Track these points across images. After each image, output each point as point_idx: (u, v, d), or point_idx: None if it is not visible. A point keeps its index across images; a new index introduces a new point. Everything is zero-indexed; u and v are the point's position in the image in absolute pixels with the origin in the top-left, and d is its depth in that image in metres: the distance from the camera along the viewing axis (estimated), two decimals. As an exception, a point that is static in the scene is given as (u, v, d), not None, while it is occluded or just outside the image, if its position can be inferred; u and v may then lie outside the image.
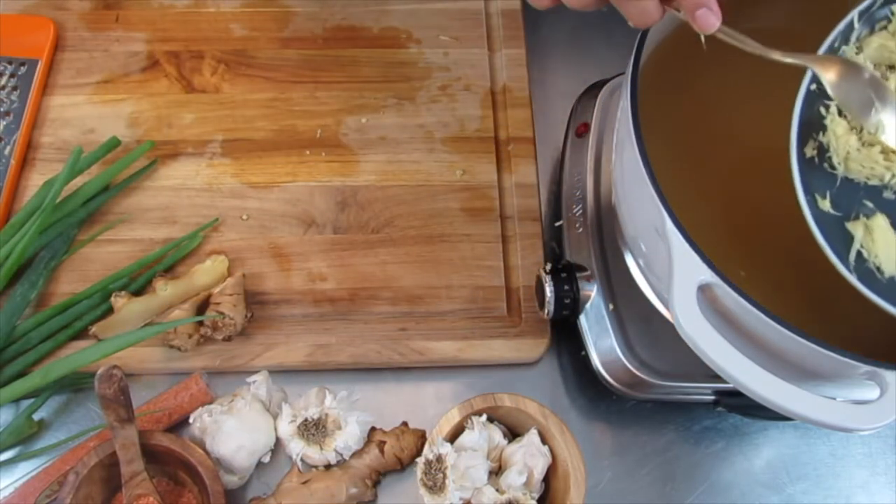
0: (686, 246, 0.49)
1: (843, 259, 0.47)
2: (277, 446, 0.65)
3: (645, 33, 0.53)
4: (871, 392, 0.49)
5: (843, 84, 0.47)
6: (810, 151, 0.49)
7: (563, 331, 0.70)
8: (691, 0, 0.48)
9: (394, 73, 0.79)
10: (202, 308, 0.67)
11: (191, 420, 0.64)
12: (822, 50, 0.49)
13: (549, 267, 0.65)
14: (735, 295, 0.47)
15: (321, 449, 0.63)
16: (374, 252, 0.72)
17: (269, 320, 0.69)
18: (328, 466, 0.64)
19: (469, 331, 0.69)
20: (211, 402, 0.65)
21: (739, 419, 0.69)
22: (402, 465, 0.66)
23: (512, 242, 0.73)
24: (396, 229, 0.73)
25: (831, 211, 0.48)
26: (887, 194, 0.48)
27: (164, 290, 0.67)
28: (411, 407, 0.68)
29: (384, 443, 0.65)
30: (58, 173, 0.70)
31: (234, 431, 0.62)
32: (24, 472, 0.65)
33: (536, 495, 0.62)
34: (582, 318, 0.64)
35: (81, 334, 0.68)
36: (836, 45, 0.50)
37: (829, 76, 0.47)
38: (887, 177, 0.48)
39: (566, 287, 0.64)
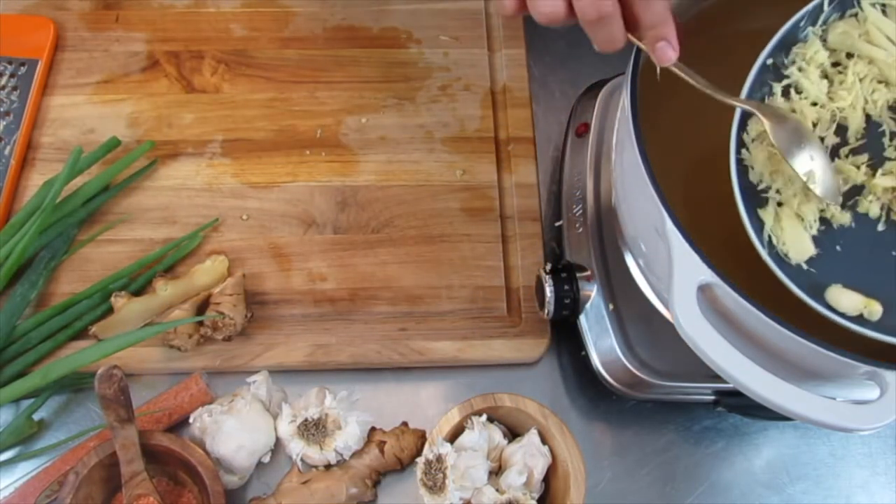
0: (686, 246, 0.49)
1: (761, 242, 0.50)
2: (277, 446, 0.65)
3: None
4: (871, 392, 0.49)
5: (777, 129, 0.50)
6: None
7: (563, 331, 0.70)
8: (653, 32, 0.50)
9: (394, 73, 0.79)
10: (202, 308, 0.67)
11: (191, 420, 0.64)
12: (787, 25, 0.52)
13: (549, 267, 0.65)
14: (735, 295, 0.47)
15: (321, 449, 0.63)
16: (374, 252, 0.72)
17: (269, 320, 0.69)
18: (328, 466, 0.64)
19: (469, 331, 0.69)
20: (211, 402, 0.65)
21: (739, 419, 0.69)
22: (402, 465, 0.66)
23: (512, 242, 0.73)
24: (396, 229, 0.73)
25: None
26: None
27: (164, 290, 0.67)
28: (411, 407, 0.68)
29: (384, 443, 0.65)
30: (58, 173, 0.70)
31: (234, 431, 0.62)
32: (24, 472, 0.65)
33: (536, 495, 0.62)
34: (582, 318, 0.64)
35: (81, 334, 0.68)
36: (803, 24, 0.52)
37: (767, 121, 0.50)
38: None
39: (566, 287, 0.64)
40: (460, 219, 0.73)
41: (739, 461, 0.69)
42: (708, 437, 0.69)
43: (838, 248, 0.50)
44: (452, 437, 0.63)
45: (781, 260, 0.49)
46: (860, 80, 0.51)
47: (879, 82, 0.51)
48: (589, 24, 0.51)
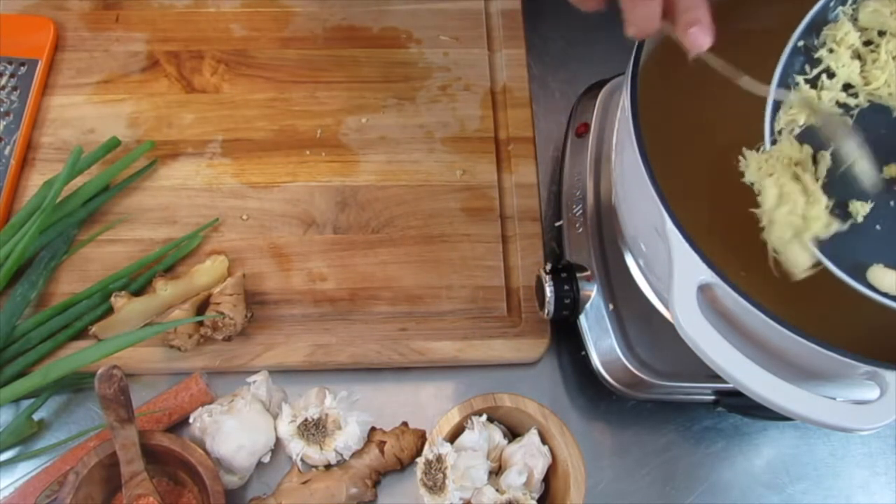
0: (686, 246, 0.49)
1: None
2: (277, 446, 0.65)
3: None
4: (871, 392, 0.49)
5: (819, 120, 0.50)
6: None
7: (563, 331, 0.70)
8: (686, 16, 0.47)
9: (394, 73, 0.79)
10: (202, 308, 0.67)
11: (191, 420, 0.64)
12: (816, 6, 0.51)
13: (549, 267, 0.65)
14: (735, 295, 0.47)
15: (321, 449, 0.63)
16: (374, 252, 0.72)
17: (269, 320, 0.69)
18: (328, 466, 0.64)
19: (469, 331, 0.69)
20: (211, 402, 0.65)
21: (739, 419, 0.69)
22: (402, 465, 0.66)
23: (512, 242, 0.73)
24: (396, 229, 0.73)
25: None
26: None
27: (164, 290, 0.67)
28: (411, 407, 0.68)
29: (384, 443, 0.65)
30: (58, 173, 0.70)
31: (234, 431, 0.62)
32: (24, 472, 0.65)
33: (536, 495, 0.62)
34: (582, 318, 0.64)
35: (81, 334, 0.68)
36: (833, 4, 0.52)
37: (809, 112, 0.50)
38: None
39: (566, 287, 0.64)
40: (460, 219, 0.73)
41: (739, 461, 0.69)
42: (708, 437, 0.69)
43: (878, 227, 0.49)
44: (452, 437, 0.63)
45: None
46: (893, 57, 0.51)
47: None
48: None
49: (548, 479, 0.64)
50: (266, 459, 0.65)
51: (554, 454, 0.63)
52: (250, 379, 0.66)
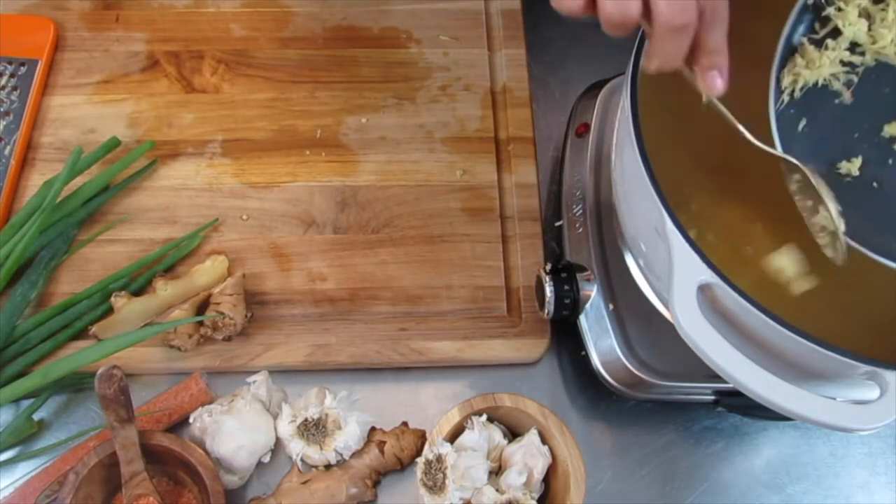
0: (686, 246, 0.49)
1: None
2: (277, 446, 0.65)
3: (645, 33, 0.53)
4: (871, 392, 0.49)
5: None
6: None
7: (563, 331, 0.70)
8: (708, 60, 0.48)
9: (394, 73, 0.79)
10: (202, 308, 0.67)
11: (191, 420, 0.64)
12: None
13: (549, 267, 0.65)
14: (735, 295, 0.47)
15: (321, 449, 0.63)
16: (374, 252, 0.72)
17: (269, 320, 0.69)
18: (328, 466, 0.64)
19: (469, 331, 0.69)
20: (211, 402, 0.65)
21: (739, 419, 0.69)
22: (402, 465, 0.66)
23: (512, 242, 0.73)
24: (396, 229, 0.73)
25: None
26: None
27: (164, 290, 0.67)
28: (411, 407, 0.68)
29: (384, 443, 0.65)
30: (58, 173, 0.70)
31: (234, 431, 0.62)
32: (24, 472, 0.65)
33: (536, 495, 0.62)
34: (582, 318, 0.64)
35: (81, 334, 0.68)
36: None
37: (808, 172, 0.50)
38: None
39: (566, 287, 0.64)
40: (460, 219, 0.73)
41: (739, 461, 0.69)
42: (708, 437, 0.69)
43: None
44: (452, 437, 0.63)
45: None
46: None
47: None
48: (670, 31, 0.46)
49: (548, 479, 0.64)
50: (266, 459, 0.65)
51: (554, 454, 0.63)
52: (250, 379, 0.66)
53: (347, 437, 0.63)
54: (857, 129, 0.51)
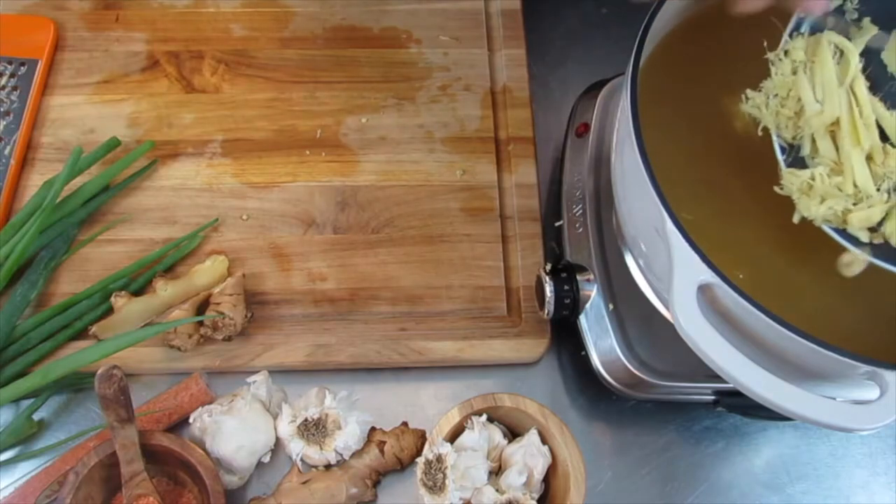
0: (686, 246, 0.49)
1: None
2: (277, 446, 0.65)
3: (645, 33, 0.53)
4: (871, 392, 0.49)
5: None
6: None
7: (563, 331, 0.70)
8: None
9: (394, 73, 0.79)
10: (202, 308, 0.67)
11: (191, 420, 0.64)
12: None
13: (549, 267, 0.65)
14: (735, 295, 0.47)
15: (321, 449, 0.63)
16: (374, 252, 0.72)
17: (269, 320, 0.69)
18: (328, 466, 0.64)
19: (469, 331, 0.69)
20: (211, 402, 0.65)
21: (739, 419, 0.69)
22: (402, 465, 0.66)
23: (512, 242, 0.73)
24: (396, 229, 0.73)
25: None
26: None
27: (164, 290, 0.67)
28: (411, 407, 0.68)
29: (384, 443, 0.65)
30: (58, 173, 0.70)
31: (234, 431, 0.62)
32: (24, 472, 0.65)
33: (536, 495, 0.62)
34: (582, 318, 0.64)
35: (81, 334, 0.68)
36: None
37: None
38: None
39: (566, 287, 0.64)
40: (460, 219, 0.73)
41: (739, 461, 0.69)
42: (708, 437, 0.69)
43: None
44: (452, 437, 0.63)
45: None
46: None
47: None
48: None
49: (548, 479, 0.64)
50: (266, 459, 0.65)
51: (554, 454, 0.63)
52: (250, 379, 0.66)
53: (347, 437, 0.63)
54: None
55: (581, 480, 0.61)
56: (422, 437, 0.66)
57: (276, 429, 0.64)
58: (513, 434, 0.65)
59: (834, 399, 0.48)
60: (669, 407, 0.69)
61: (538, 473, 0.62)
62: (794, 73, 0.51)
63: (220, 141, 0.75)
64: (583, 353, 0.65)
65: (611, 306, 0.64)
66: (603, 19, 0.84)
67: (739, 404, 0.63)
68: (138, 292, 0.69)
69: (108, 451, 0.60)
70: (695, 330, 0.48)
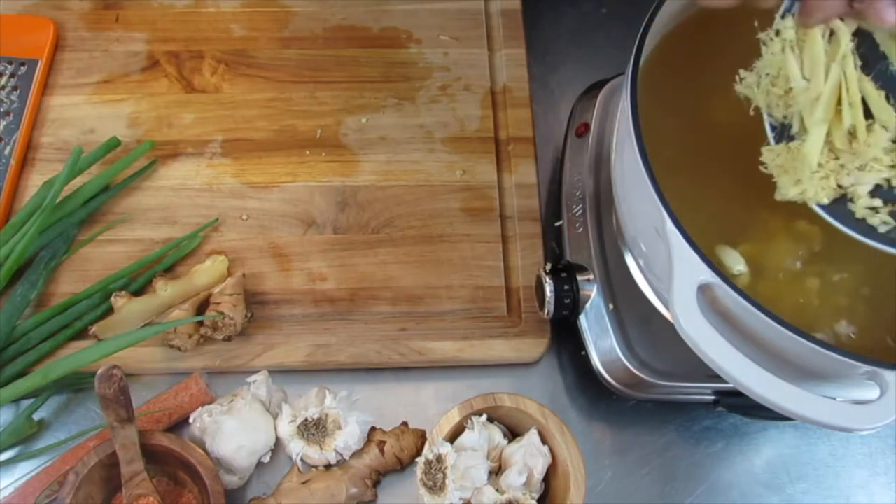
0: (686, 246, 0.49)
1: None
2: (277, 446, 0.65)
3: (645, 33, 0.53)
4: (871, 392, 0.49)
5: None
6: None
7: (563, 331, 0.70)
8: None
9: (394, 73, 0.79)
10: (202, 308, 0.67)
11: (191, 420, 0.64)
12: None
13: (549, 267, 0.65)
14: (735, 295, 0.47)
15: (321, 449, 0.63)
16: (374, 252, 0.72)
17: (269, 320, 0.69)
18: (328, 466, 0.64)
19: (469, 331, 0.69)
20: (211, 402, 0.65)
21: (739, 419, 0.69)
22: (402, 465, 0.66)
23: (512, 242, 0.73)
24: (396, 229, 0.73)
25: None
26: None
27: (164, 290, 0.67)
28: (411, 407, 0.68)
29: (384, 443, 0.65)
30: (58, 173, 0.70)
31: (234, 431, 0.62)
32: (24, 472, 0.65)
33: (536, 495, 0.62)
34: (582, 318, 0.64)
35: (81, 334, 0.68)
36: None
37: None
38: None
39: (566, 287, 0.64)
40: (460, 219, 0.73)
41: (739, 461, 0.69)
42: (708, 437, 0.69)
43: None
44: (452, 437, 0.63)
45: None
46: None
47: None
48: None
49: (548, 479, 0.64)
50: (266, 459, 0.65)
51: (554, 454, 0.63)
52: (250, 379, 0.66)
53: (347, 437, 0.63)
54: None
55: (581, 480, 0.61)
56: (422, 437, 0.66)
57: (276, 429, 0.64)
58: (513, 434, 0.65)
59: (834, 399, 0.48)
60: (669, 407, 0.69)
61: (538, 473, 0.62)
62: (783, 51, 0.51)
63: (220, 141, 0.75)
64: (583, 353, 0.65)
65: (611, 306, 0.64)
66: (603, 19, 0.84)
67: (739, 404, 0.63)
68: (138, 292, 0.69)
69: (108, 451, 0.60)
70: (695, 330, 0.48)
